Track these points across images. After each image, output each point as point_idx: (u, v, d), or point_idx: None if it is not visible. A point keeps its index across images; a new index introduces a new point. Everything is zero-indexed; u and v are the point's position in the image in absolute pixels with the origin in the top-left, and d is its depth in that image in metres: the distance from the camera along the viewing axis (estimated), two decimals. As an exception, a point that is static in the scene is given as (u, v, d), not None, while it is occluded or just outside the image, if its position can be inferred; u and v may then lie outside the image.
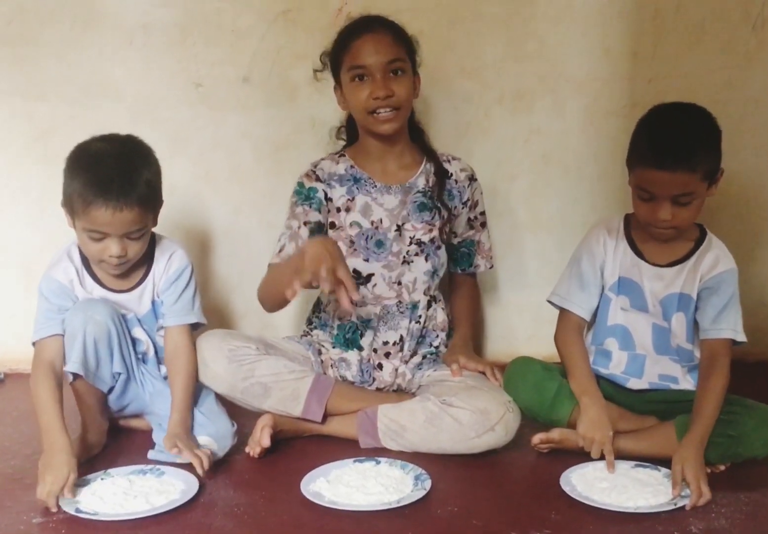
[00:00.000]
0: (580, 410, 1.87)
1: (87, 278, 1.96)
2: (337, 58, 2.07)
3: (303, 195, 2.13)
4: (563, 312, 2.03)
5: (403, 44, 2.06)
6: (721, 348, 1.88)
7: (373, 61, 2.00)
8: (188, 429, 1.88)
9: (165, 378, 2.04)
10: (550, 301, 2.05)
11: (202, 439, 1.87)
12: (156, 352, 2.04)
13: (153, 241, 2.01)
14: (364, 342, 2.13)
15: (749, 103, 2.48)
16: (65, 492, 1.66)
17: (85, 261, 1.96)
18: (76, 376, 1.87)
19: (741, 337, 1.89)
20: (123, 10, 2.41)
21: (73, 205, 1.83)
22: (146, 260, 1.99)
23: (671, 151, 1.77)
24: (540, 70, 2.47)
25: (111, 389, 1.96)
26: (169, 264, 2.00)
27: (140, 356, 2.02)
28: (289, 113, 2.48)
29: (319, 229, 2.12)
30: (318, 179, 2.14)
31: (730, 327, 1.89)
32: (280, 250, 2.09)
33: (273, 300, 2.00)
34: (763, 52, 2.44)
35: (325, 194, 2.13)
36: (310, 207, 2.12)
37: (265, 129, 2.49)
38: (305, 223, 2.10)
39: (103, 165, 1.82)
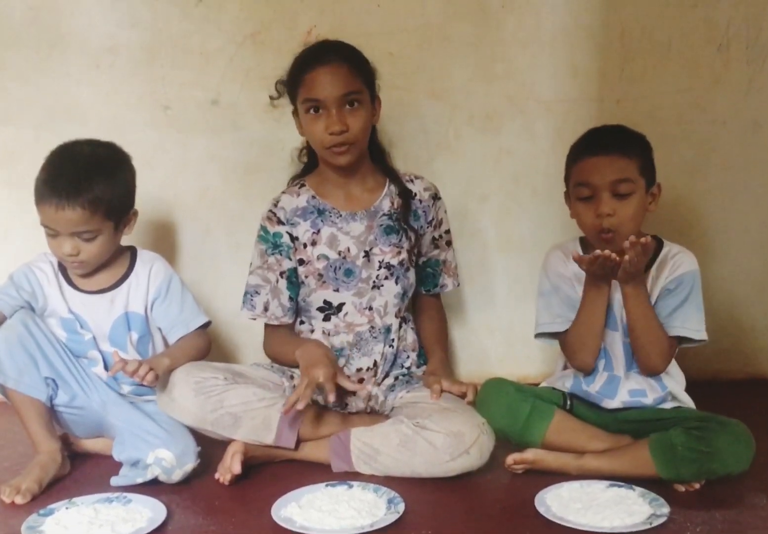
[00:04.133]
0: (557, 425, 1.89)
1: (61, 279, 2.02)
2: (293, 88, 2.05)
3: (270, 243, 2.12)
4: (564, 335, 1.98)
5: (359, 74, 2.02)
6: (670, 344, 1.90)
7: (327, 95, 1.97)
8: (163, 364, 1.92)
9: (129, 394, 2.03)
10: (542, 333, 2.01)
11: (162, 452, 1.84)
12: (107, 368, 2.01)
13: (134, 252, 2.09)
14: None
15: (716, 123, 2.50)
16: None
17: (61, 265, 2.03)
18: None
19: (698, 335, 1.89)
20: (89, 33, 2.39)
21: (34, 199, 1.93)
22: (125, 265, 2.06)
23: (604, 138, 1.89)
24: (509, 91, 2.49)
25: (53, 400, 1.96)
26: (153, 274, 2.06)
27: (86, 374, 2.01)
28: (258, 136, 2.47)
29: (295, 275, 2.13)
30: (279, 222, 2.12)
31: (684, 325, 1.88)
32: (266, 309, 2.11)
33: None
34: (729, 72, 2.47)
35: (290, 236, 2.12)
36: (281, 255, 2.11)
37: (234, 151, 2.48)
38: (281, 275, 2.10)
39: (62, 164, 1.93)
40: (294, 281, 2.13)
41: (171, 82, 2.43)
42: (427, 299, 2.27)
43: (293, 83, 2.04)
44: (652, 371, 1.92)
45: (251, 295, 2.13)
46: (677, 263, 1.92)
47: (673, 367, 1.98)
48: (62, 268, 2.03)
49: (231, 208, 2.51)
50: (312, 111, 2.00)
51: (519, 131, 2.51)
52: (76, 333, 2.01)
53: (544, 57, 2.47)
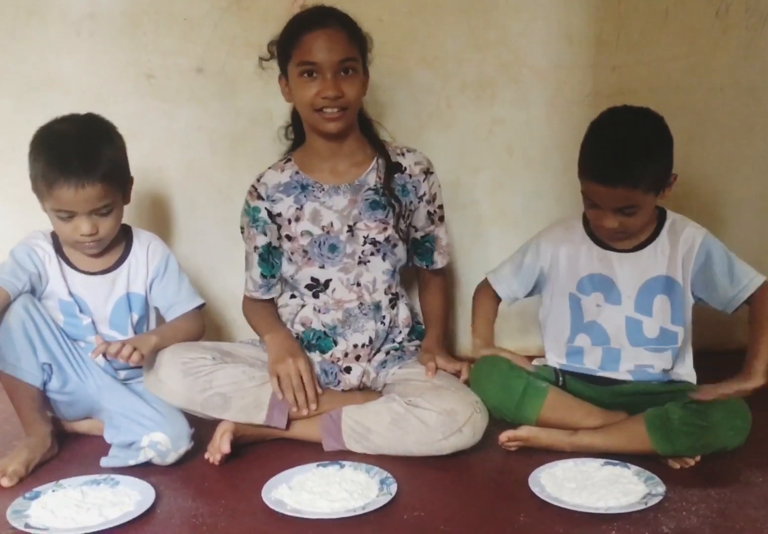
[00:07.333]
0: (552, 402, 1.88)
1: (60, 259, 1.96)
2: (287, 50, 1.98)
3: (250, 216, 2.09)
4: (489, 285, 2.11)
5: (356, 42, 1.98)
6: (760, 296, 1.89)
7: (324, 59, 1.92)
8: (150, 342, 1.90)
9: (124, 379, 2.00)
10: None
11: (157, 435, 1.81)
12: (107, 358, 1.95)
13: (129, 230, 2.04)
14: (338, 349, 2.06)
15: (714, 90, 2.45)
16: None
17: (57, 245, 1.96)
18: None
19: (761, 277, 1.90)
20: (69, -1, 2.32)
21: (39, 187, 1.86)
22: (123, 245, 2.02)
23: (611, 168, 1.81)
24: (502, 59, 2.42)
25: (46, 385, 1.91)
26: (151, 253, 2.03)
27: (81, 359, 1.96)
28: (244, 105, 2.40)
29: (268, 253, 2.10)
30: (259, 197, 2.08)
31: (752, 276, 1.90)
32: (247, 282, 2.14)
33: None
34: (727, 38, 2.42)
35: (269, 212, 2.08)
36: (257, 230, 2.08)
37: (220, 121, 2.42)
38: (255, 249, 2.09)
39: (64, 144, 1.85)
40: (266, 258, 2.10)
41: (154, 50, 2.36)
42: (428, 275, 2.23)
43: (288, 44, 1.97)
44: None
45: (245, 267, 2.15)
46: (692, 236, 1.93)
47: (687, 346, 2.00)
48: (59, 248, 1.97)
49: (218, 180, 2.45)
50: (306, 75, 1.95)
51: (512, 100, 2.46)
52: (75, 316, 1.96)
53: (538, 23, 2.41)
